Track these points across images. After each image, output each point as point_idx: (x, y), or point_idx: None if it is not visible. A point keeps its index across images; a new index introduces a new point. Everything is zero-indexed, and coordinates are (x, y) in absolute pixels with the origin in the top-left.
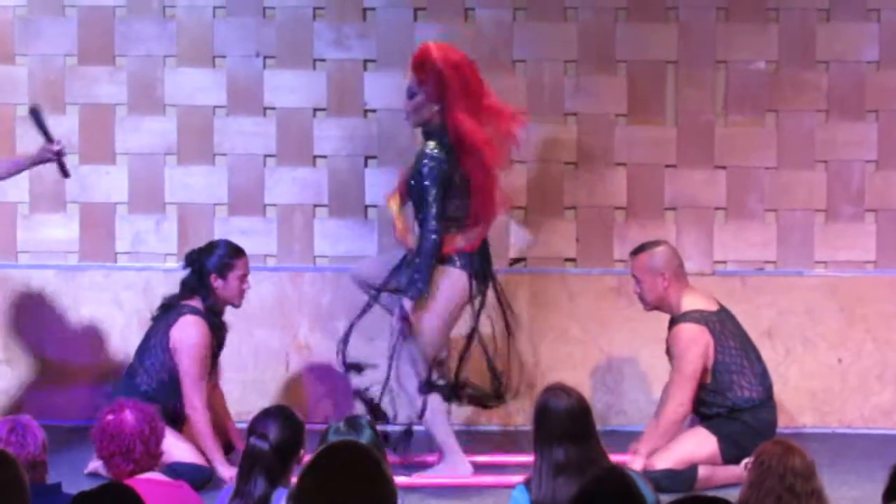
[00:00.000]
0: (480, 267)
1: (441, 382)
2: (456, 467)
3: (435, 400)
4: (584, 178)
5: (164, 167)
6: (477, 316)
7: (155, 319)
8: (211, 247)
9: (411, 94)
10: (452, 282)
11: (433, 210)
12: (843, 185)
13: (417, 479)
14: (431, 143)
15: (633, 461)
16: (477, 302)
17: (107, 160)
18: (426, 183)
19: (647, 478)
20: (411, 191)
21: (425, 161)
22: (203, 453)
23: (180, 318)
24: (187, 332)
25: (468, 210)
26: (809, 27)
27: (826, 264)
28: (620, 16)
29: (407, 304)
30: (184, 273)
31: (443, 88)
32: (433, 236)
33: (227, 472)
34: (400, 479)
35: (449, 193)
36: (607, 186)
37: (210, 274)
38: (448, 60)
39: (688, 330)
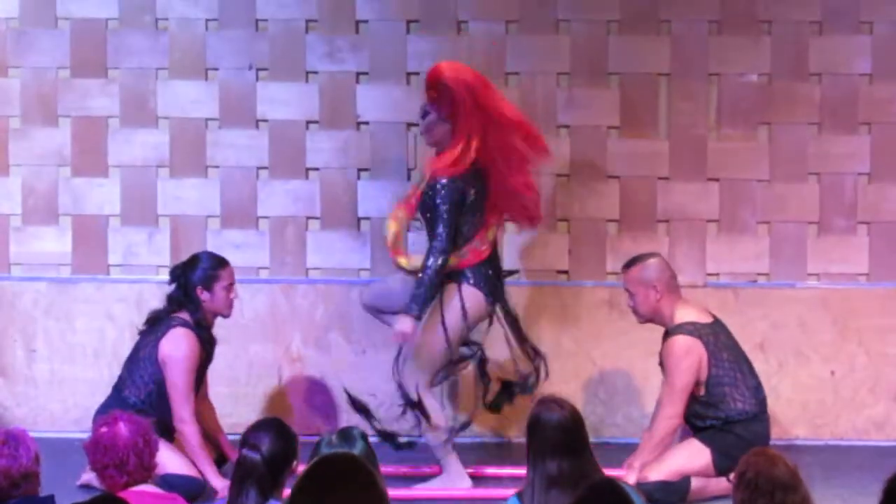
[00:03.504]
0: (494, 282)
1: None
2: (454, 481)
3: (435, 411)
4: (576, 191)
5: (156, 180)
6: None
7: (143, 333)
8: (194, 260)
9: (424, 114)
10: (470, 300)
11: (445, 231)
12: (836, 198)
13: (416, 490)
14: (444, 179)
15: (627, 475)
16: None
17: (99, 173)
18: (440, 204)
19: (640, 490)
20: (423, 209)
21: (439, 181)
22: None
23: (170, 331)
24: (177, 345)
25: (481, 225)
26: (802, 40)
27: (818, 277)
28: (613, 28)
29: (406, 321)
30: (169, 288)
31: (454, 107)
32: (441, 257)
33: (220, 483)
34: (398, 492)
35: (463, 211)
36: (600, 199)
37: (195, 287)
38: (459, 79)
39: (681, 342)
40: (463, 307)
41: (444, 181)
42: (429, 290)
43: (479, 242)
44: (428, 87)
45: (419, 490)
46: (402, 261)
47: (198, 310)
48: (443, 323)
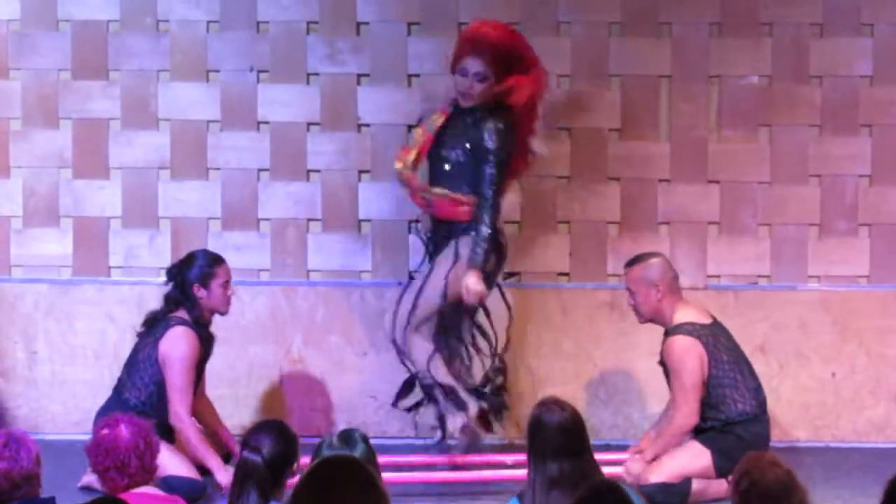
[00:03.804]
0: (502, 240)
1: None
2: (459, 408)
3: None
4: (577, 193)
5: (157, 182)
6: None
7: (141, 335)
8: (190, 258)
9: (482, 78)
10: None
11: (495, 182)
12: (837, 200)
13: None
14: (494, 120)
15: (633, 462)
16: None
17: (100, 175)
18: (497, 153)
19: (640, 491)
20: (449, 158)
21: (496, 132)
22: (197, 466)
23: (168, 331)
24: (176, 344)
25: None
26: (803, 42)
27: (819, 279)
28: (614, 30)
29: (474, 277)
30: (166, 288)
31: (510, 63)
32: (493, 210)
33: (225, 477)
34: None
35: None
36: (601, 201)
37: (192, 285)
38: (510, 35)
39: (681, 342)
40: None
41: (500, 125)
42: (490, 243)
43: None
44: (485, 52)
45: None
46: (429, 194)
47: (195, 307)
48: (446, 277)
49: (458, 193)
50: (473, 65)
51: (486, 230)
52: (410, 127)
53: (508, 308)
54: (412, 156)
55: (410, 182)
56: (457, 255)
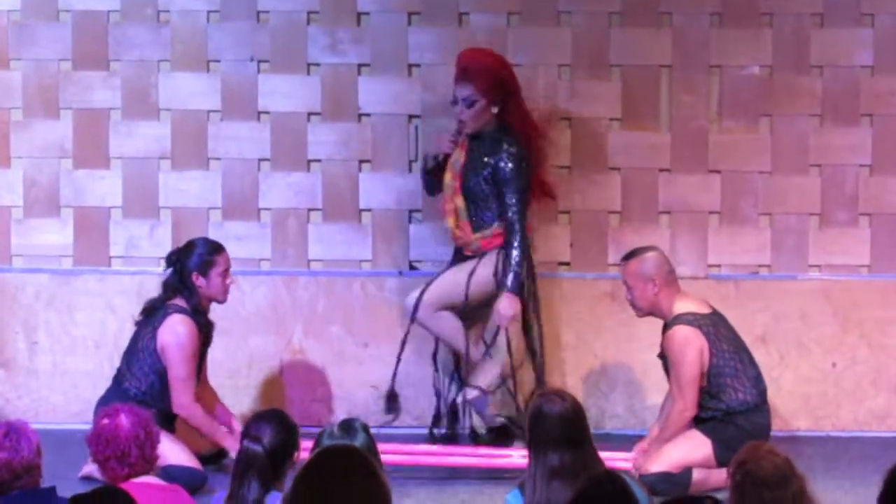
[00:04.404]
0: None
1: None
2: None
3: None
4: (578, 183)
5: (158, 172)
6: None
7: (140, 323)
8: (190, 246)
9: (471, 103)
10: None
11: (520, 206)
12: (838, 190)
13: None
14: (508, 144)
15: (639, 457)
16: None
17: (101, 165)
18: (515, 177)
19: (641, 481)
20: (477, 187)
21: (510, 157)
22: (198, 456)
23: (167, 319)
24: (175, 332)
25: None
26: (803, 32)
27: (820, 268)
28: (614, 20)
29: (509, 301)
30: (165, 274)
31: (505, 89)
32: (522, 231)
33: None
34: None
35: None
36: (601, 191)
37: (191, 273)
38: (500, 60)
39: (681, 333)
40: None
41: (513, 149)
42: (522, 268)
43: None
44: (473, 77)
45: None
46: (476, 243)
47: (193, 295)
48: (469, 278)
49: (486, 229)
50: (461, 90)
51: (516, 255)
52: (411, 117)
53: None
54: (455, 213)
55: (458, 241)
56: (477, 265)
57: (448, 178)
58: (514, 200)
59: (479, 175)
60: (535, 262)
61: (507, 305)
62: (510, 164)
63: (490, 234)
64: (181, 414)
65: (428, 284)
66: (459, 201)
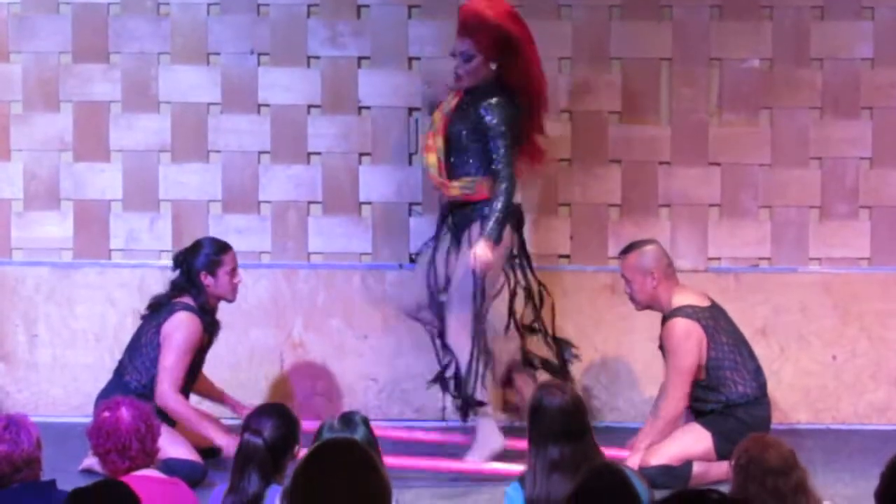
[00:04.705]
0: (520, 219)
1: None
2: (487, 440)
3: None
4: (578, 176)
5: (158, 165)
6: (521, 278)
7: (145, 318)
8: (197, 246)
9: (468, 58)
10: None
11: (507, 156)
12: (838, 183)
13: (460, 464)
14: (497, 96)
15: (631, 456)
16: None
17: (101, 158)
18: (498, 127)
19: (641, 474)
20: (461, 136)
21: (492, 107)
22: (198, 449)
23: (173, 315)
24: (178, 328)
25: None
26: (803, 25)
27: (820, 261)
28: (614, 13)
29: (484, 246)
30: (173, 275)
31: (506, 46)
32: (510, 180)
33: (225, 440)
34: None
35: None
36: (601, 183)
37: (199, 273)
38: (504, 14)
39: (680, 325)
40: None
41: (494, 100)
42: (506, 215)
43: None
44: (472, 31)
45: (461, 464)
46: (455, 190)
47: (201, 294)
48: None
49: (469, 178)
50: (459, 45)
51: (500, 204)
52: (412, 110)
53: (541, 287)
54: (435, 150)
55: (434, 179)
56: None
57: (436, 116)
58: (500, 151)
59: (463, 123)
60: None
61: (483, 250)
62: (494, 118)
63: (473, 187)
64: (160, 403)
65: (432, 283)
66: (440, 141)
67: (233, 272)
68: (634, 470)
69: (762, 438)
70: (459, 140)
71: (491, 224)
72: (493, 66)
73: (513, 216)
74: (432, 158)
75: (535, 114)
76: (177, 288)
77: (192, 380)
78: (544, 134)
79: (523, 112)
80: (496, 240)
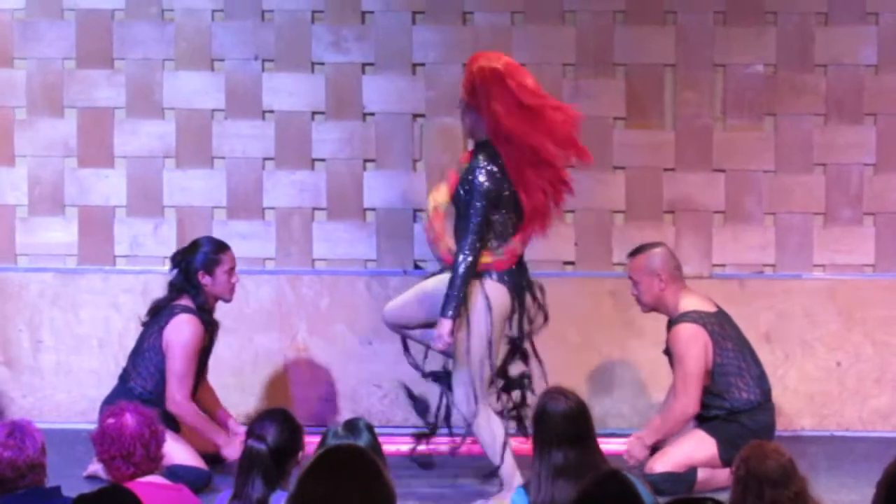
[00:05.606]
0: (518, 280)
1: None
2: (511, 483)
3: (494, 422)
4: (582, 182)
5: (162, 170)
6: (520, 328)
7: (146, 324)
8: (195, 245)
9: (462, 116)
10: (494, 296)
11: (474, 226)
12: (842, 189)
13: None
14: (481, 157)
15: (633, 444)
16: (516, 316)
17: (105, 163)
18: (473, 196)
19: (646, 480)
20: (457, 200)
21: (476, 173)
22: (202, 455)
23: (173, 318)
24: (180, 331)
25: (516, 224)
26: (808, 30)
27: (825, 267)
28: (619, 19)
29: (443, 325)
30: (171, 274)
31: (480, 95)
32: (472, 255)
33: (232, 450)
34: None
35: (497, 208)
36: (606, 190)
37: (197, 272)
38: (476, 65)
39: (686, 330)
40: (488, 304)
41: (481, 157)
42: (461, 290)
43: (517, 243)
44: (464, 86)
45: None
46: (444, 247)
47: (199, 294)
48: (468, 325)
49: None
50: (462, 94)
51: (456, 279)
52: (416, 116)
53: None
54: (437, 198)
55: (427, 232)
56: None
57: (451, 174)
58: (469, 230)
59: (461, 186)
60: (531, 278)
61: (440, 328)
62: (476, 179)
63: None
64: (173, 410)
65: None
66: (446, 197)
67: (231, 272)
68: (638, 476)
69: (761, 447)
70: (456, 201)
71: (450, 296)
72: (483, 120)
73: (510, 278)
74: (431, 201)
75: (525, 166)
76: (175, 289)
77: (196, 382)
78: (548, 191)
79: (510, 168)
80: (452, 317)
